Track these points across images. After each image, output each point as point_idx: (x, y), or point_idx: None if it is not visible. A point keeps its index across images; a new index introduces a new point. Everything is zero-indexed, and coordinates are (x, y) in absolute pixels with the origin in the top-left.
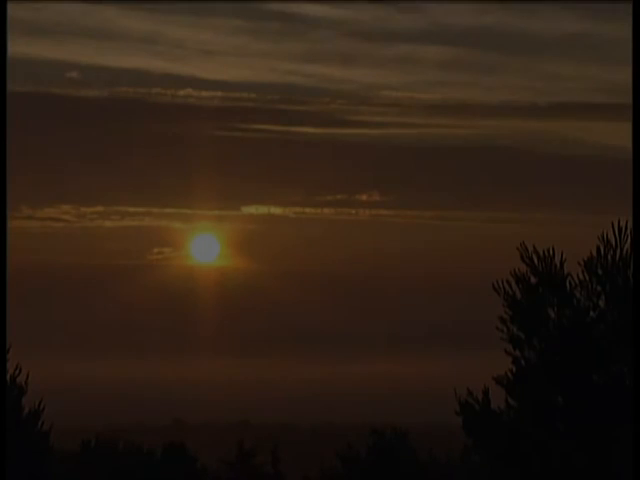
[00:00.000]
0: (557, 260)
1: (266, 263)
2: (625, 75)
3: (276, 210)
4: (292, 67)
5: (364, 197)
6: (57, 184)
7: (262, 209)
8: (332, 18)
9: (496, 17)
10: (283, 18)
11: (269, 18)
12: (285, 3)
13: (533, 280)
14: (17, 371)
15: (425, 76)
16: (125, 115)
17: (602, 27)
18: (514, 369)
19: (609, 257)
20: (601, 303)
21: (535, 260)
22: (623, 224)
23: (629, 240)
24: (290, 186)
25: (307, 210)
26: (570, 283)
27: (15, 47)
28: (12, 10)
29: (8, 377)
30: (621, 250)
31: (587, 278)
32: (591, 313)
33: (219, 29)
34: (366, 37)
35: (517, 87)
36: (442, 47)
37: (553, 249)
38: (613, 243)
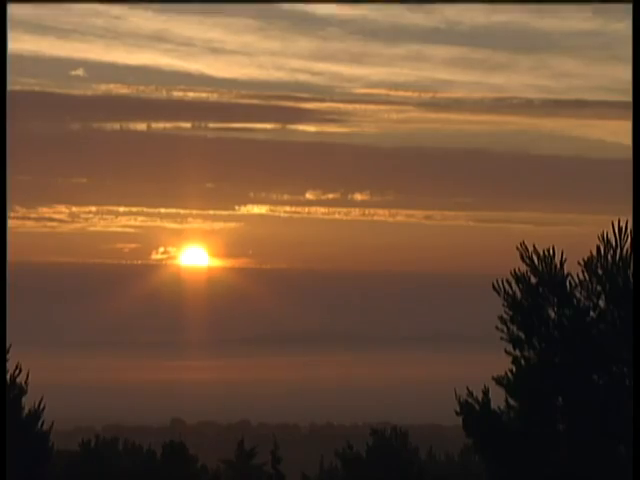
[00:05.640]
0: (557, 260)
1: (265, 263)
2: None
3: (272, 209)
4: (300, 65)
5: (358, 196)
6: (52, 184)
7: (257, 209)
8: (341, 17)
9: (505, 17)
10: (292, 17)
11: (278, 17)
12: (294, 2)
13: (533, 280)
14: (17, 371)
15: (432, 75)
16: (123, 113)
17: (612, 26)
18: (514, 369)
19: (609, 257)
20: (601, 303)
21: (535, 260)
22: (623, 224)
23: (629, 240)
24: (285, 185)
25: (300, 209)
26: (570, 283)
27: (22, 45)
28: (20, 8)
29: (8, 377)
30: (621, 250)
31: (587, 278)
32: (591, 313)
33: (228, 27)
34: (375, 36)
35: (521, 86)
36: (451, 46)
37: (553, 249)
38: (613, 243)
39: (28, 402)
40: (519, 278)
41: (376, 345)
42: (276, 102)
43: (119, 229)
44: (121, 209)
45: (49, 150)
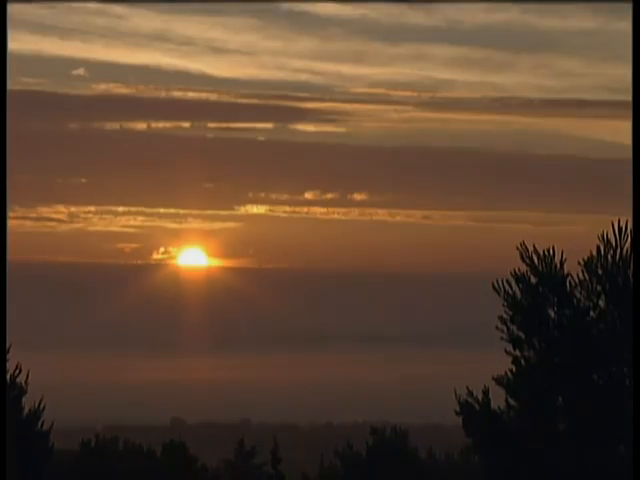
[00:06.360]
0: (557, 260)
1: (264, 263)
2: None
3: (271, 209)
4: (300, 65)
5: (357, 196)
6: (51, 184)
7: (256, 209)
8: (342, 16)
9: (506, 16)
10: (293, 16)
11: (279, 16)
12: (295, 2)
13: (533, 280)
14: (17, 371)
15: (432, 75)
16: (123, 113)
17: (613, 25)
18: (514, 369)
19: (609, 257)
20: (601, 303)
21: (535, 260)
22: (623, 224)
23: (629, 240)
24: (284, 185)
25: (299, 209)
26: (570, 283)
27: (23, 45)
28: (21, 8)
29: (8, 377)
30: (621, 250)
31: (587, 278)
32: (591, 313)
33: (229, 27)
34: (377, 35)
35: (522, 86)
36: (452, 46)
37: (553, 249)
38: (613, 243)
39: (28, 402)
40: (519, 278)
41: (376, 345)
42: (276, 102)
43: (119, 229)
44: (120, 209)
45: (49, 150)
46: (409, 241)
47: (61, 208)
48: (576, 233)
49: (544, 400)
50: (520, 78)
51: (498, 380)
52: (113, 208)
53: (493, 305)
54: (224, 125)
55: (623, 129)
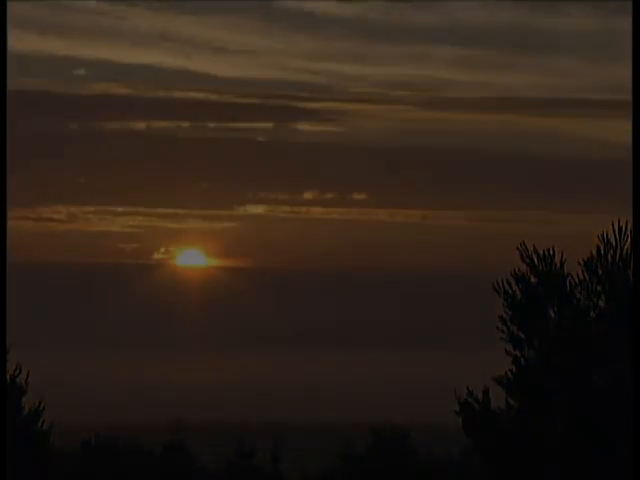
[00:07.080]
0: (557, 260)
1: (264, 263)
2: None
3: (270, 209)
4: (301, 64)
5: (356, 196)
6: (51, 184)
7: (255, 209)
8: (343, 16)
9: (507, 16)
10: (294, 16)
11: (280, 16)
12: (295, 1)
13: (533, 280)
14: (17, 371)
15: (433, 74)
16: (123, 113)
17: (614, 25)
18: (514, 369)
19: (609, 257)
20: (601, 303)
21: (535, 260)
22: (623, 224)
23: (629, 240)
24: (283, 185)
25: (298, 209)
26: (570, 283)
27: (23, 44)
28: (22, 7)
29: (8, 377)
30: (621, 250)
31: (587, 278)
32: (591, 313)
33: (230, 26)
34: (377, 35)
35: (522, 86)
36: (453, 46)
37: (553, 249)
38: (613, 243)
39: (28, 402)
40: (519, 278)
41: (376, 345)
42: (276, 102)
43: (119, 229)
44: (120, 209)
45: (48, 150)
46: (409, 241)
47: (61, 208)
48: (576, 233)
49: (544, 400)
50: (520, 78)
51: (498, 380)
52: (113, 208)
53: (493, 305)
54: (224, 125)
55: (623, 129)
